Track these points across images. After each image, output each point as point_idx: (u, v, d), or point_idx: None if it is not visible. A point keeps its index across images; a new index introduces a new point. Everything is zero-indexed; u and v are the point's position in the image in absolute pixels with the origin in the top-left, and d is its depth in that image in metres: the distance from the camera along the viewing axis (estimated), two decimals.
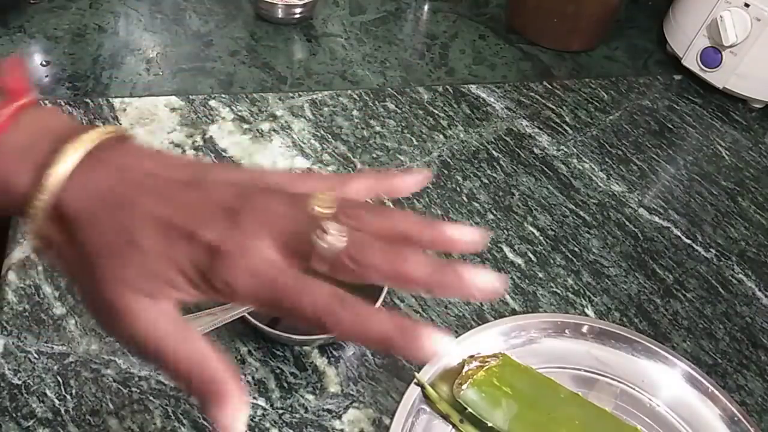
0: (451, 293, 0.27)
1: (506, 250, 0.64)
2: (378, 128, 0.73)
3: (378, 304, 0.51)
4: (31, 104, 0.30)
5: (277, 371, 0.52)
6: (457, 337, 0.54)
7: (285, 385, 0.51)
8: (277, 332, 0.50)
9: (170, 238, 0.28)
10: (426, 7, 0.95)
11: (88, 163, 0.28)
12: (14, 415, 0.47)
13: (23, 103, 0.30)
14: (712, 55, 0.82)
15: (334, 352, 0.53)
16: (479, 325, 0.56)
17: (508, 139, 0.75)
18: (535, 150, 0.74)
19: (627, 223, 0.68)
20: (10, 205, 0.29)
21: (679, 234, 0.68)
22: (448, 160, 0.71)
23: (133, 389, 0.49)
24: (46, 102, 0.69)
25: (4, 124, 0.29)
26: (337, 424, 0.49)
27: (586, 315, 0.59)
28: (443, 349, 0.27)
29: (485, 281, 0.27)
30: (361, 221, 0.28)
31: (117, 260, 0.28)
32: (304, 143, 0.70)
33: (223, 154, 0.67)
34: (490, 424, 0.49)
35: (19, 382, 0.48)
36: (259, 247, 0.27)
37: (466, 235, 0.29)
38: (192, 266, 0.27)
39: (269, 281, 0.27)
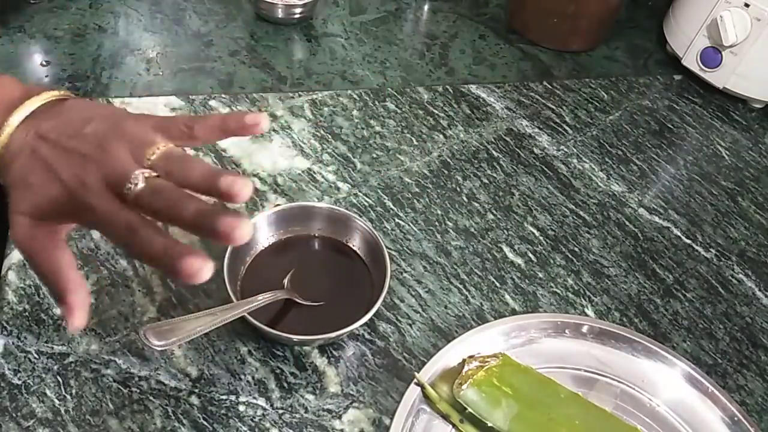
0: (212, 235, 0.34)
1: (506, 250, 0.64)
2: (378, 128, 0.73)
3: (378, 304, 0.51)
4: None
5: (277, 371, 0.52)
6: (457, 337, 0.54)
7: (285, 385, 0.51)
8: (277, 332, 0.50)
9: (45, 176, 0.37)
10: (426, 7, 0.95)
11: (23, 126, 0.39)
12: (14, 415, 0.47)
13: None
14: (712, 55, 0.82)
15: (334, 352, 0.53)
16: (479, 325, 0.56)
17: (508, 139, 0.75)
18: (535, 150, 0.74)
19: (627, 223, 0.68)
20: None
21: (679, 234, 0.68)
22: (448, 160, 0.71)
23: (133, 389, 0.49)
24: None
25: None
26: (337, 424, 0.49)
27: (586, 315, 0.59)
28: (202, 272, 0.33)
29: (234, 226, 0.34)
30: (170, 171, 0.36)
31: (18, 193, 0.38)
32: (304, 143, 0.70)
33: (223, 154, 0.67)
34: (490, 424, 0.49)
35: (19, 382, 0.48)
36: (90, 178, 0.36)
37: (234, 186, 0.36)
38: (58, 194, 0.37)
39: (87, 196, 0.36)
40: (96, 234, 0.58)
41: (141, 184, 0.35)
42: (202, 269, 0.33)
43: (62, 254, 0.38)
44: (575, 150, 0.75)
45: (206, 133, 0.40)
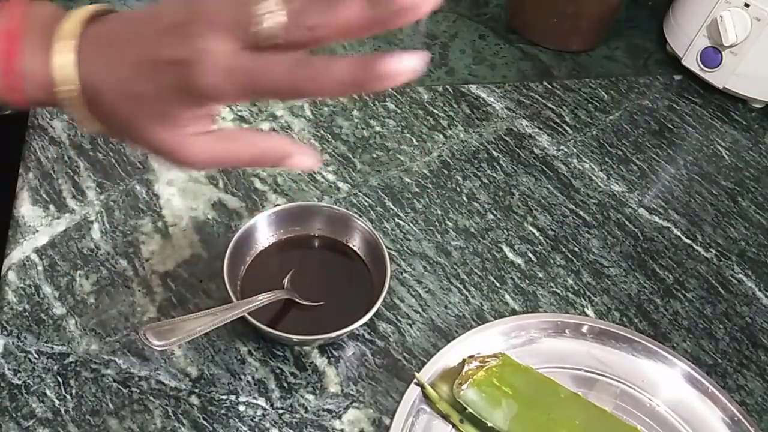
0: (389, 24, 0.30)
1: (506, 250, 0.64)
2: (378, 128, 0.73)
3: (378, 304, 0.51)
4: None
5: (277, 371, 0.52)
6: (457, 337, 0.54)
7: (285, 385, 0.51)
8: (277, 332, 0.50)
9: (150, 76, 0.32)
10: None
11: (85, 49, 0.33)
12: (14, 415, 0.47)
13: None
14: (712, 55, 0.82)
15: (334, 352, 0.53)
16: (479, 325, 0.56)
17: (508, 139, 0.75)
18: (535, 150, 0.74)
19: (627, 223, 0.68)
20: (44, 96, 0.34)
21: (679, 234, 0.68)
22: (448, 160, 0.71)
23: (133, 389, 0.49)
24: None
25: (18, 25, 0.34)
26: (337, 424, 0.49)
27: (586, 315, 0.59)
28: (413, 66, 0.29)
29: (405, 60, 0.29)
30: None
31: (135, 112, 0.33)
32: (304, 143, 0.70)
33: None
34: (490, 424, 0.49)
35: (19, 382, 0.48)
36: (215, 46, 0.30)
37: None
38: (171, 89, 0.32)
39: (237, 69, 0.30)
40: (96, 234, 0.58)
41: (276, 15, 0.29)
42: (413, 59, 0.29)
43: (245, 137, 0.35)
44: (575, 150, 0.75)
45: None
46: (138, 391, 0.49)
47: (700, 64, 0.84)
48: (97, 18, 0.35)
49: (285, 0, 0.30)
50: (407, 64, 0.29)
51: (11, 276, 0.54)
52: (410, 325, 0.56)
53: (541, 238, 0.65)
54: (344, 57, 0.30)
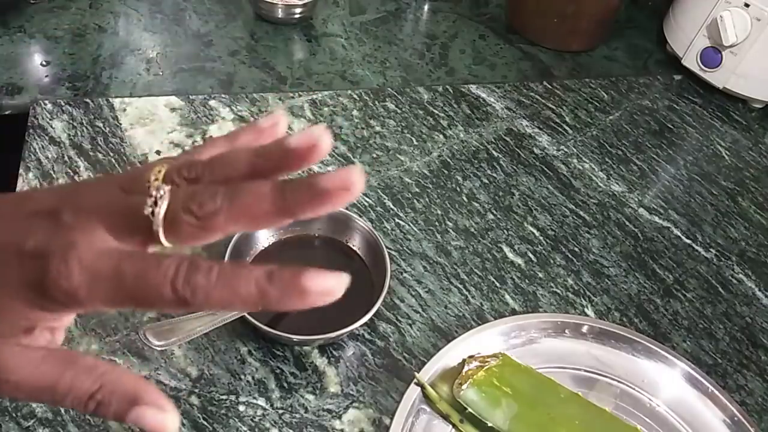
0: (303, 211, 0.25)
1: (506, 250, 0.64)
2: (378, 128, 0.73)
3: (378, 304, 0.51)
4: None
5: (277, 371, 0.52)
6: (457, 337, 0.54)
7: (285, 385, 0.51)
8: (277, 332, 0.50)
9: (6, 263, 0.25)
10: (426, 7, 0.95)
11: None
12: (14, 415, 0.47)
13: None
14: (712, 55, 0.82)
15: (334, 352, 0.53)
16: (479, 325, 0.56)
17: (508, 139, 0.75)
18: (535, 150, 0.74)
19: (627, 223, 0.68)
20: None
21: (679, 234, 0.68)
22: (448, 160, 0.71)
23: None
24: (47, 102, 0.69)
25: None
26: (337, 424, 0.49)
27: (586, 315, 0.59)
28: (334, 287, 0.25)
29: (346, 175, 0.24)
30: (195, 173, 0.26)
31: None
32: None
33: None
34: (490, 424, 0.49)
35: None
36: (89, 238, 0.24)
37: (302, 140, 0.26)
38: (26, 285, 0.24)
39: (110, 271, 0.24)
40: None
41: (166, 197, 0.24)
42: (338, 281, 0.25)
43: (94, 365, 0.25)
44: (575, 150, 0.75)
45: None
46: None
47: (700, 64, 0.84)
48: None
49: (175, 186, 0.25)
50: (329, 284, 0.25)
51: None
52: (410, 325, 0.56)
53: (541, 238, 0.65)
54: (249, 265, 0.24)
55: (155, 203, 0.24)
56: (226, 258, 0.52)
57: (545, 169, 0.72)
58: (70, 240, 0.24)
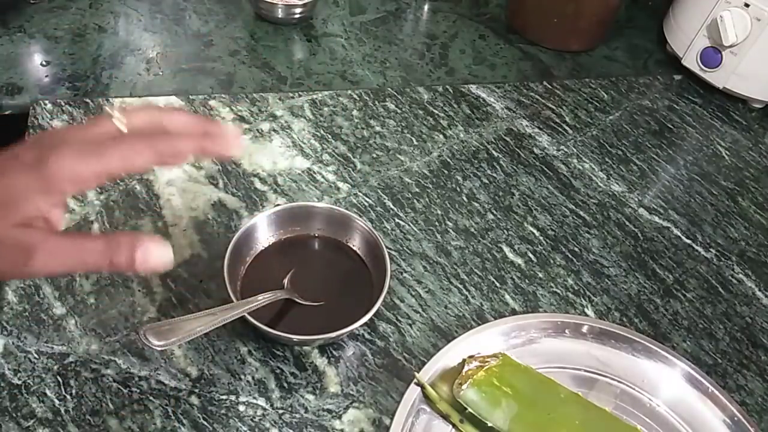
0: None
1: (506, 250, 0.63)
2: (378, 128, 0.73)
3: (378, 304, 0.51)
4: None
5: (277, 371, 0.52)
6: (457, 337, 0.54)
7: (285, 385, 0.51)
8: (277, 332, 0.50)
9: None
10: (426, 7, 0.95)
11: None
12: (14, 415, 0.47)
13: None
14: (712, 55, 0.82)
15: (334, 352, 0.53)
16: (479, 325, 0.56)
17: (508, 139, 0.75)
18: (535, 150, 0.74)
19: (627, 223, 0.68)
20: None
21: (679, 234, 0.68)
22: (448, 160, 0.71)
23: (133, 389, 0.49)
24: (47, 102, 0.69)
25: None
26: (337, 424, 0.49)
27: (586, 315, 0.59)
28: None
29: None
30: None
31: None
32: (304, 143, 0.70)
33: None
34: (490, 424, 0.49)
35: (19, 382, 0.48)
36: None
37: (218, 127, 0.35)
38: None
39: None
40: (96, 231, 0.58)
41: None
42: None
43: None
44: (575, 150, 0.75)
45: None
46: (138, 391, 0.49)
47: (700, 64, 0.84)
48: None
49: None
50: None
51: None
52: (410, 325, 0.56)
53: (541, 238, 0.65)
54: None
55: None
56: (226, 257, 0.52)
57: (545, 169, 0.72)
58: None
